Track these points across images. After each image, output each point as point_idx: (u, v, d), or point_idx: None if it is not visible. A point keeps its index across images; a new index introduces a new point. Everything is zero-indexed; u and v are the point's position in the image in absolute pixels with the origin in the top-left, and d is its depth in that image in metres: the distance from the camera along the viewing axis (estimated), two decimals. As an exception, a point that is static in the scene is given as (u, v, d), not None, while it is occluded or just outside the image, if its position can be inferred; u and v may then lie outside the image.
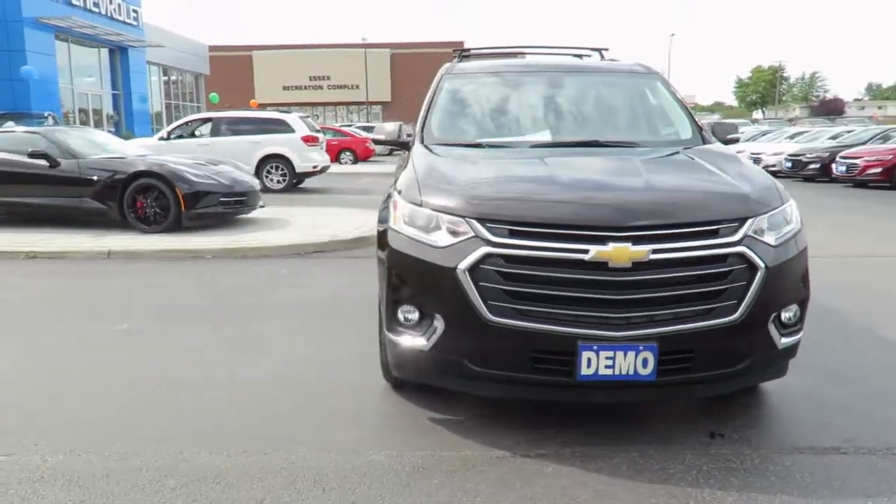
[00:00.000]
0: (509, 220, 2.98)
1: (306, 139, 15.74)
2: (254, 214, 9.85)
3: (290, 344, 4.60)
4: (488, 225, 2.99)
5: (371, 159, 29.11)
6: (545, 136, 4.20)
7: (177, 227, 8.66)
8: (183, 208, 8.58)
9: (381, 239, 3.42)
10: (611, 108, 4.48)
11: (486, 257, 2.95)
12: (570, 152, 3.86)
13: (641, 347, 2.87)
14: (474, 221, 3.01)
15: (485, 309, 2.95)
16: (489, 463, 2.99)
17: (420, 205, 3.20)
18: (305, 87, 77.31)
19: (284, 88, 75.76)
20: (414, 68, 78.91)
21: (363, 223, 9.32)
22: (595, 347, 2.87)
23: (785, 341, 3.14)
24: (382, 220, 3.53)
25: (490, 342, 3.01)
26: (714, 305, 2.95)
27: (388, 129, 4.47)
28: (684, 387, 3.09)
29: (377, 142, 4.56)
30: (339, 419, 3.43)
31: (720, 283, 2.95)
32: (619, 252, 2.84)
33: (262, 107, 29.78)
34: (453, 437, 3.23)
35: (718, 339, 2.96)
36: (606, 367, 2.89)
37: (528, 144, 3.96)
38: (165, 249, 7.62)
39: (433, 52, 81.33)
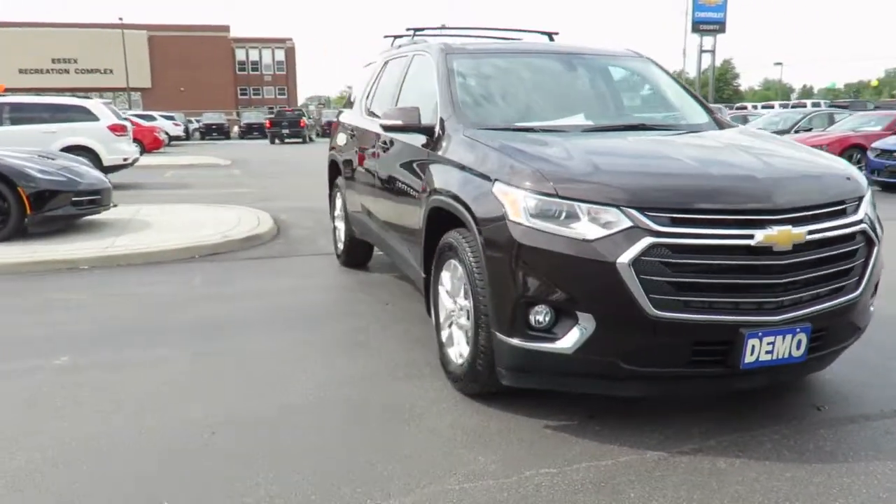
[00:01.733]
0: (673, 208, 2.81)
1: (113, 128, 13.88)
2: (103, 216, 8.46)
3: (305, 364, 3.99)
4: (651, 214, 2.79)
5: (161, 150, 26.61)
6: (583, 120, 4.05)
7: (19, 234, 7.15)
8: (28, 211, 7.10)
9: (490, 234, 3.05)
10: (628, 91, 4.45)
11: (651, 248, 2.76)
12: (640, 136, 3.76)
13: (798, 329, 2.87)
14: (633, 211, 2.79)
15: (648, 303, 2.76)
16: (657, 466, 2.82)
17: (553, 195, 2.90)
18: (48, 71, 68.68)
19: (21, 72, 66.90)
20: (175, 52, 73.40)
21: (238, 220, 8.45)
22: (760, 334, 2.82)
23: (872, 310, 3.35)
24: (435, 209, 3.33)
25: (650, 338, 2.83)
26: (845, 283, 3.05)
27: (406, 112, 4.01)
28: (816, 363, 3.17)
29: (391, 128, 4.08)
30: (457, 443, 3.03)
31: (851, 260, 3.06)
32: (783, 235, 2.80)
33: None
34: (594, 444, 3.00)
35: (845, 314, 3.07)
36: (766, 352, 2.86)
37: (580, 129, 3.78)
38: (29, 262, 6.25)
39: (196, 36, 76.31)
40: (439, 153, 3.79)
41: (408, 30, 5.54)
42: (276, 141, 37.19)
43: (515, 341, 2.99)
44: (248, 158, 24.05)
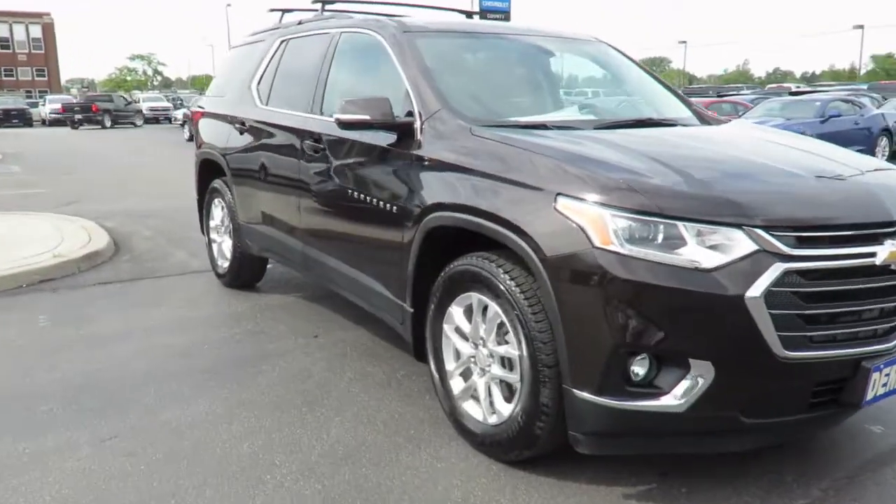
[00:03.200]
0: (802, 226, 2.31)
1: None
2: None
3: (257, 444, 3.01)
4: (778, 234, 2.27)
5: None
6: (584, 115, 3.46)
7: None
8: None
9: (564, 264, 2.37)
10: (611, 80, 3.92)
11: (784, 276, 2.25)
12: (664, 133, 3.24)
13: (911, 356, 2.53)
14: (759, 231, 2.26)
15: (778, 343, 2.26)
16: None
17: (653, 212, 2.28)
18: None
19: None
20: None
21: (59, 233, 6.82)
22: (881, 365, 2.44)
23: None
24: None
25: (776, 384, 2.34)
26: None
27: (374, 105, 3.15)
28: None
29: (352, 124, 3.19)
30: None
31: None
32: (900, 251, 2.43)
33: None
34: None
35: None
36: (883, 384, 2.49)
37: (591, 125, 3.18)
38: None
39: None
40: (431, 156, 3.00)
41: (315, 1, 4.58)
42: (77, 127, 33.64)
43: (607, 400, 2.34)
44: (27, 150, 20.53)
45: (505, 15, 48.04)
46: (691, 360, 2.28)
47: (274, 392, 3.47)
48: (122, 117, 35.91)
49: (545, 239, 2.43)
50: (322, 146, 3.77)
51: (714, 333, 2.27)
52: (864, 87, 30.92)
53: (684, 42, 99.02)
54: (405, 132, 3.17)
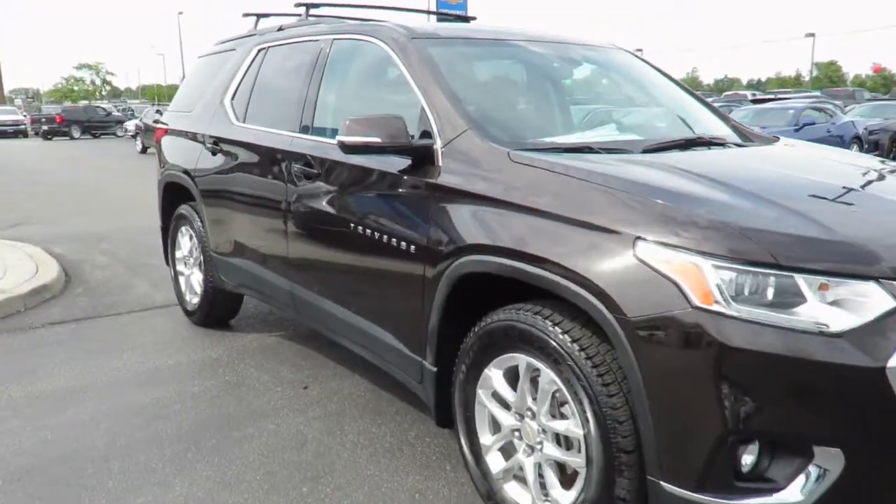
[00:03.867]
0: None
1: None
2: None
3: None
4: None
5: None
6: (626, 134, 3.00)
7: None
8: None
9: (652, 328, 1.89)
10: (639, 92, 3.46)
11: (928, 339, 1.81)
12: (733, 157, 2.80)
13: None
14: None
15: (920, 422, 1.81)
16: None
17: (767, 262, 1.82)
18: None
19: None
20: None
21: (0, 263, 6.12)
22: None
23: None
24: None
25: (915, 472, 1.89)
26: None
27: (387, 125, 2.65)
28: None
29: (358, 147, 2.68)
30: None
31: None
32: None
33: None
34: None
35: None
36: None
37: (639, 147, 2.72)
38: None
39: None
40: (458, 186, 2.51)
41: (297, 5, 4.05)
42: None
43: (709, 498, 1.87)
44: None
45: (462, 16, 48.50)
46: (815, 448, 1.83)
47: (265, 466, 2.91)
48: (98, 128, 34.63)
49: (624, 295, 1.94)
50: (316, 171, 3.24)
51: (845, 414, 1.81)
52: (818, 93, 31.42)
53: (640, 50, 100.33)
54: (422, 157, 2.68)
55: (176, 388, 3.69)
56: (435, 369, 2.64)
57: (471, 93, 2.89)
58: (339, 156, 3.00)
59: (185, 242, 4.77)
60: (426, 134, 2.72)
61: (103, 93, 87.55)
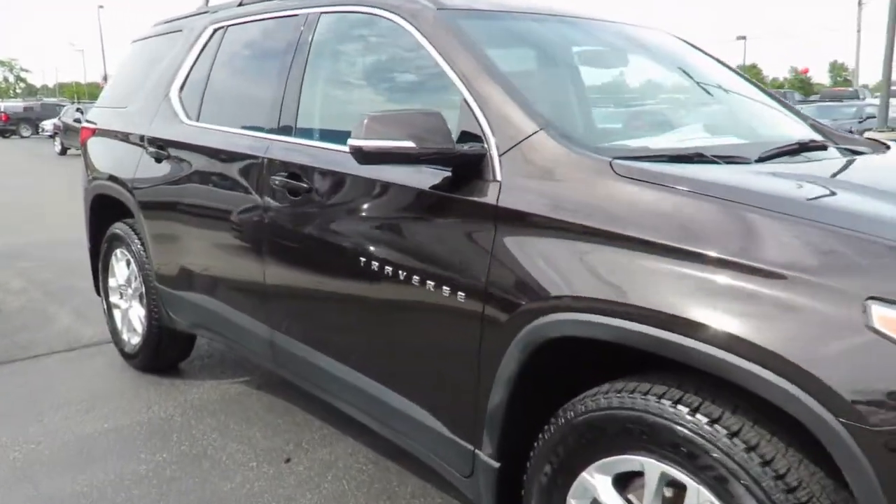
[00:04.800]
0: None
1: None
2: None
3: None
4: None
5: None
6: (723, 137, 2.32)
7: None
8: None
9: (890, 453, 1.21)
10: (720, 84, 2.79)
11: None
12: (872, 165, 2.15)
13: None
14: None
15: None
16: None
17: None
18: None
19: None
20: None
21: None
22: None
23: None
24: None
25: None
26: None
27: (424, 123, 1.90)
28: None
29: (378, 155, 1.91)
30: None
31: None
32: None
33: None
34: None
35: None
36: None
37: (754, 156, 2.03)
38: None
39: None
40: (533, 210, 1.78)
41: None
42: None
43: None
44: None
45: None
46: None
47: None
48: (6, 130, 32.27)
49: (857, 390, 1.25)
50: (306, 185, 2.45)
51: None
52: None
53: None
54: (468, 168, 1.94)
55: (115, 470, 2.82)
56: (498, 465, 1.90)
57: (530, 82, 2.16)
58: (344, 166, 2.24)
59: (121, 269, 3.87)
60: (468, 136, 1.98)
61: (18, 90, 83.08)
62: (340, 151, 2.31)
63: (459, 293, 1.91)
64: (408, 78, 2.42)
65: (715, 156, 1.89)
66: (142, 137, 3.48)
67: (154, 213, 3.41)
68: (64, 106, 28.81)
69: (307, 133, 2.61)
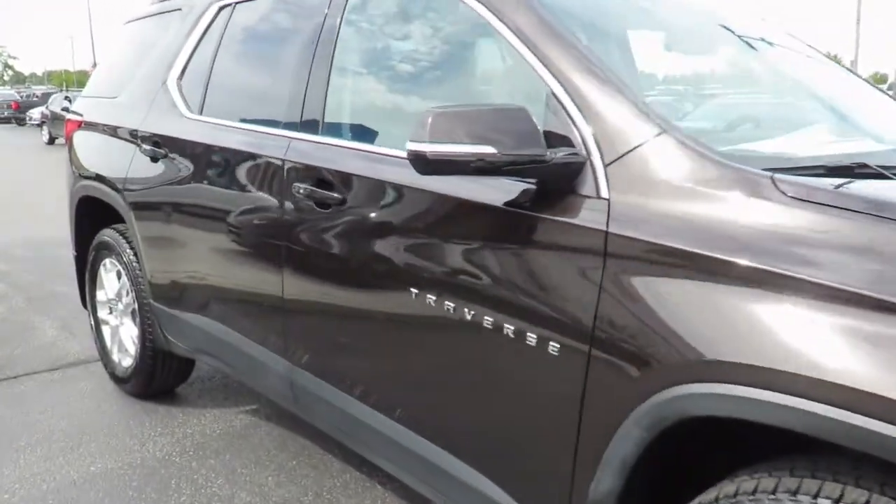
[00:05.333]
0: None
1: None
2: None
3: None
4: None
5: None
6: (854, 138, 1.89)
7: None
8: None
9: None
10: (827, 72, 2.35)
11: None
12: None
13: None
14: None
15: None
16: None
17: None
18: None
19: None
20: None
21: None
22: None
23: None
24: None
25: None
26: None
27: (508, 123, 1.45)
28: None
29: (447, 164, 1.46)
30: None
31: None
32: None
33: None
34: None
35: None
36: None
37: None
38: None
39: None
40: (660, 241, 1.33)
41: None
42: None
43: None
44: None
45: None
46: None
47: None
48: None
49: None
50: (339, 195, 2.00)
51: None
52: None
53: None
54: (561, 180, 1.50)
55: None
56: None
57: (630, 71, 1.72)
58: (393, 174, 1.80)
59: (111, 281, 3.41)
60: (553, 139, 1.53)
61: (5, 78, 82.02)
62: (385, 155, 1.87)
63: (552, 344, 1.47)
64: (467, 64, 1.98)
65: (883, 167, 1.46)
66: (134, 132, 3.02)
67: (149, 220, 2.96)
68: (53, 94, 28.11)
69: (337, 130, 2.17)
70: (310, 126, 2.18)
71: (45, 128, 21.80)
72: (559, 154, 1.48)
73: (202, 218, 2.63)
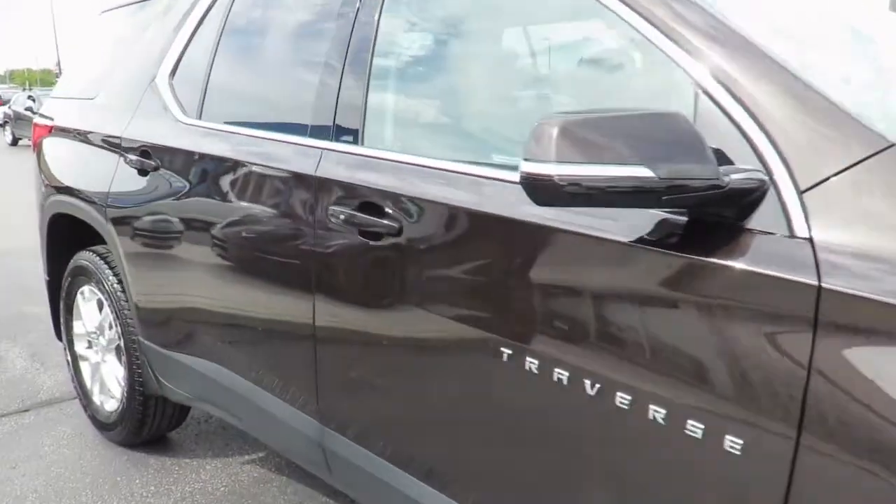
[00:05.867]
0: None
1: None
2: None
3: None
4: None
5: None
6: None
7: None
8: None
9: None
10: None
11: None
12: None
13: None
14: None
15: None
16: None
17: None
18: None
19: None
20: None
21: None
22: None
23: None
24: None
25: None
26: None
27: (665, 134, 1.04)
28: None
29: (597, 193, 1.05)
30: None
31: None
32: None
33: None
34: None
35: None
36: None
37: None
38: None
39: None
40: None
41: None
42: None
43: None
44: None
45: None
46: None
47: None
48: None
49: None
50: (395, 224, 1.56)
51: None
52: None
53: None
54: (730, 210, 1.10)
55: None
56: None
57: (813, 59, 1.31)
58: (472, 198, 1.38)
59: (90, 311, 2.94)
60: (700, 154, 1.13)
61: (-35, 77, 79.76)
62: (463, 174, 1.45)
63: (730, 440, 1.07)
64: (566, 54, 1.56)
65: None
66: (117, 140, 2.56)
67: (137, 244, 2.50)
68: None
69: (382, 139, 1.74)
70: (346, 134, 1.76)
71: (7, 128, 20.91)
72: (736, 175, 1.08)
73: (204, 245, 2.19)
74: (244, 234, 2.03)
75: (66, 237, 3.00)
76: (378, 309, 1.66)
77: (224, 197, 2.10)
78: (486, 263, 1.44)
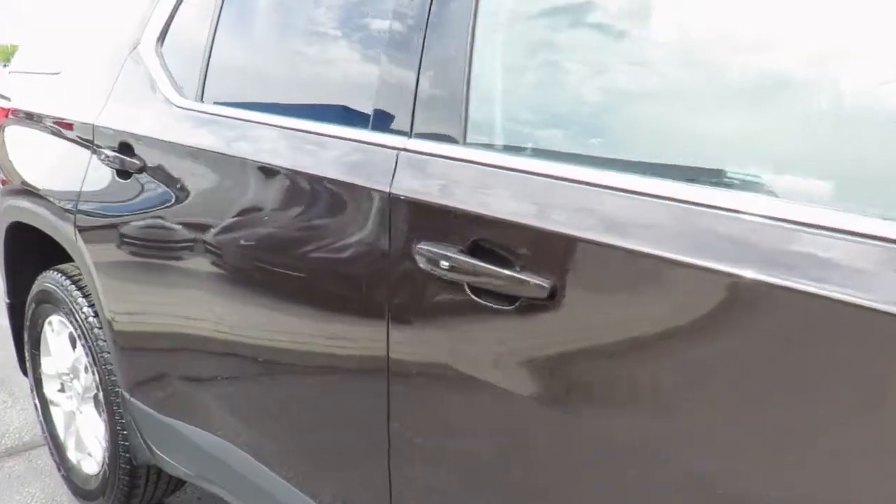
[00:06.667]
0: None
1: None
2: None
3: None
4: None
5: None
6: None
7: None
8: None
9: None
10: None
11: None
12: None
13: None
14: None
15: None
16: None
17: None
18: None
19: None
20: None
21: None
22: None
23: None
24: None
25: None
26: None
27: None
28: None
29: None
30: None
31: None
32: None
33: None
34: None
35: None
36: None
37: None
38: None
39: None
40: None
41: None
42: None
43: None
44: None
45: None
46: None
47: None
48: None
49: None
50: (547, 285, 0.93)
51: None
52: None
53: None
54: None
55: None
56: None
57: None
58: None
59: (61, 347, 2.31)
60: None
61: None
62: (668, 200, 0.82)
63: None
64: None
65: None
66: (88, 130, 1.90)
67: (118, 269, 1.86)
68: None
69: (496, 135, 1.11)
70: (435, 124, 1.12)
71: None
72: None
73: (212, 279, 1.55)
74: (270, 264, 1.39)
75: (29, 252, 2.36)
76: (504, 403, 1.03)
77: (244, 212, 1.46)
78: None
